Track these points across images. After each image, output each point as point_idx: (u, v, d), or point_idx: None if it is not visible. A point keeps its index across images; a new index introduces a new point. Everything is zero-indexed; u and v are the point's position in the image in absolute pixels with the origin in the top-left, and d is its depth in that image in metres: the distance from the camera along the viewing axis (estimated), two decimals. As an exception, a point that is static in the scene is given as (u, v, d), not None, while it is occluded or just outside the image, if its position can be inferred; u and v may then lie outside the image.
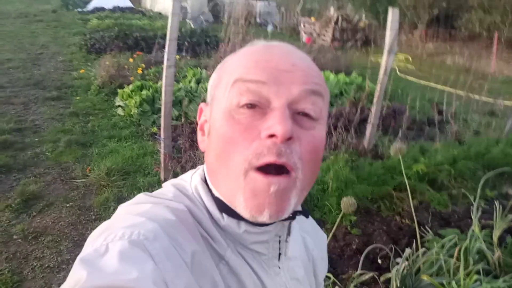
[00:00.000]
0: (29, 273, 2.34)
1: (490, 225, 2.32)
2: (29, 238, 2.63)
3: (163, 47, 2.90)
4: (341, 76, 5.98)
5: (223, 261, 0.54)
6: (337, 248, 2.46)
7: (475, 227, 2.06)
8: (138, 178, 3.39)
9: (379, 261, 2.23)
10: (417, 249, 2.01)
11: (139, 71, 5.78)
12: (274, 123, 0.48)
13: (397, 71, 7.89)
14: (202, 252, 0.52)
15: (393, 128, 4.38)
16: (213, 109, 0.56)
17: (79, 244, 2.59)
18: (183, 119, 3.77)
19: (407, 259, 1.91)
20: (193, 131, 3.82)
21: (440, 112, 4.67)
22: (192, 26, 10.64)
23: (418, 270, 1.93)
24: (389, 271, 1.92)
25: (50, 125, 4.44)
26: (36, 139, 4.07)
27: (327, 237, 0.84)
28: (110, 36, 8.11)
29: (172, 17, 2.76)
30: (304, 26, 11.51)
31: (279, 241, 0.60)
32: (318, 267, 0.74)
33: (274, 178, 0.48)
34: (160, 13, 13.51)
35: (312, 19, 11.68)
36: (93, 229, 0.51)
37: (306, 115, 0.52)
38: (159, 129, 3.22)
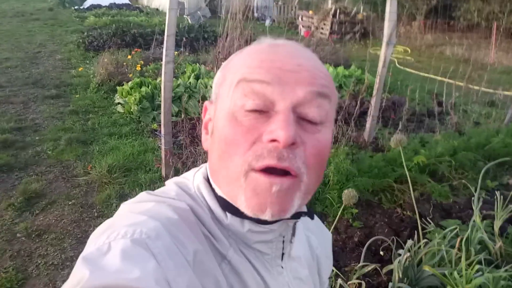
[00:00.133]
0: (33, 271, 2.36)
1: (491, 216, 2.33)
2: (33, 236, 2.64)
3: (161, 43, 2.89)
4: (340, 69, 5.97)
5: (225, 260, 0.54)
6: (339, 241, 2.47)
7: (476, 218, 2.07)
8: (139, 174, 3.40)
9: (381, 253, 2.24)
10: (418, 241, 2.02)
11: (138, 68, 5.77)
12: (276, 127, 0.47)
13: (396, 63, 7.88)
14: (204, 251, 0.51)
15: (393, 120, 4.39)
16: (217, 108, 0.55)
17: (82, 241, 2.61)
18: (183, 115, 3.77)
19: (409, 251, 1.92)
20: (193, 127, 3.82)
21: (440, 104, 4.67)
22: (190, 21, 10.59)
23: (420, 261, 1.94)
24: (391, 262, 1.93)
25: (50, 124, 4.44)
26: (37, 138, 4.08)
27: (329, 230, 0.84)
28: (108, 34, 8.07)
29: (170, 12, 2.75)
30: (302, 19, 11.47)
31: (283, 241, 0.60)
32: (323, 265, 0.74)
33: (276, 179, 0.48)
34: (157, 9, 13.47)
35: (310, 12, 11.63)
36: (96, 226, 0.51)
37: (311, 118, 0.51)
38: (159, 125, 3.23)
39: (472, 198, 2.24)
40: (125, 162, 3.57)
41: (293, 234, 0.62)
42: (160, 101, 3.05)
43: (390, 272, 1.90)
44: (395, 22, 3.40)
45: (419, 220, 2.16)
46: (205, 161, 0.62)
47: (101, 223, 0.51)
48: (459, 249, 1.84)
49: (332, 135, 0.56)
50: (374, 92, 3.59)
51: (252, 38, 6.23)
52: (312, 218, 0.63)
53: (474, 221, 2.08)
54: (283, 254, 0.60)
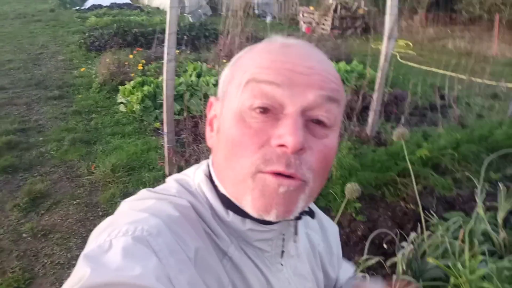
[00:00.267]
0: (40, 270, 2.38)
1: (495, 207, 2.33)
2: (39, 236, 2.67)
3: (163, 42, 2.90)
4: (342, 64, 5.96)
5: (226, 257, 0.54)
6: (343, 235, 2.48)
7: (480, 210, 2.07)
8: (143, 173, 3.42)
9: (385, 246, 2.24)
10: (422, 233, 2.02)
11: (140, 67, 5.78)
12: (285, 132, 0.47)
13: (398, 58, 7.85)
14: (206, 248, 0.52)
15: (395, 114, 4.38)
16: (224, 106, 0.55)
17: (87, 240, 2.62)
18: (185, 113, 3.78)
19: (412, 243, 1.93)
20: (196, 125, 3.83)
21: (442, 97, 4.66)
22: (191, 19, 10.60)
23: (424, 253, 1.95)
24: (395, 255, 1.93)
25: (53, 124, 4.46)
26: (41, 139, 4.10)
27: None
28: (109, 33, 8.09)
29: (171, 10, 2.75)
30: (303, 15, 11.44)
31: (283, 239, 0.60)
32: (327, 261, 0.74)
33: (284, 180, 0.48)
34: (158, 8, 13.45)
35: (311, 8, 11.60)
36: (101, 226, 0.51)
37: (319, 122, 0.51)
38: (162, 124, 3.24)
39: (475, 190, 2.23)
40: (129, 161, 3.59)
41: (296, 233, 0.62)
42: (162, 100, 3.06)
43: (394, 265, 1.90)
44: (396, 16, 3.38)
45: (422, 213, 2.16)
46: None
47: (103, 222, 0.52)
48: (463, 241, 1.84)
49: (338, 138, 0.55)
50: (376, 87, 3.58)
51: (253, 36, 6.23)
52: (312, 217, 0.63)
53: (477, 212, 2.07)
54: (283, 251, 0.61)
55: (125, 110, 4.76)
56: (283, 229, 0.59)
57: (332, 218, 2.55)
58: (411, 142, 3.36)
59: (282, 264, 0.61)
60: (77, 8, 13.20)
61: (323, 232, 0.75)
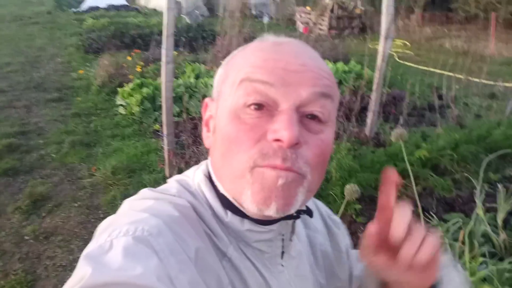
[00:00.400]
0: (42, 272, 2.39)
1: (494, 208, 2.34)
2: (40, 238, 2.67)
3: (160, 43, 2.90)
4: (340, 64, 5.97)
5: (226, 258, 0.54)
6: (344, 236, 2.49)
7: (479, 211, 2.08)
8: (143, 175, 3.42)
9: (386, 247, 2.25)
10: (422, 234, 2.03)
11: (139, 69, 5.78)
12: (280, 127, 0.48)
13: (396, 57, 7.87)
14: (206, 248, 0.52)
15: (393, 115, 4.39)
16: (219, 105, 0.55)
17: (89, 243, 2.64)
18: (184, 115, 3.78)
19: (413, 244, 1.94)
20: (195, 127, 3.84)
21: (440, 97, 4.67)
22: (188, 21, 10.59)
23: (424, 254, 1.96)
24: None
25: (53, 127, 4.46)
26: (41, 141, 4.10)
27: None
28: (107, 35, 8.06)
29: (168, 12, 2.75)
30: (300, 16, 11.45)
31: (282, 240, 0.60)
32: (334, 261, 0.73)
33: (282, 172, 0.48)
34: (155, 10, 13.41)
35: (308, 8, 11.62)
36: (102, 228, 0.51)
37: (314, 118, 0.51)
38: (161, 126, 3.24)
39: (475, 191, 2.25)
40: (129, 163, 3.59)
41: (293, 232, 0.62)
42: (161, 102, 3.07)
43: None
44: (392, 15, 3.39)
45: (422, 214, 2.18)
46: (208, 160, 0.62)
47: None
48: (463, 242, 1.85)
49: (334, 134, 0.56)
50: (374, 87, 3.59)
51: (251, 36, 6.24)
52: (311, 216, 0.63)
53: (477, 214, 2.09)
54: (283, 252, 0.60)
55: (125, 112, 4.76)
56: (282, 229, 0.58)
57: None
58: (410, 142, 3.37)
59: (283, 265, 0.60)
60: (73, 10, 13.18)
61: (329, 230, 0.75)
